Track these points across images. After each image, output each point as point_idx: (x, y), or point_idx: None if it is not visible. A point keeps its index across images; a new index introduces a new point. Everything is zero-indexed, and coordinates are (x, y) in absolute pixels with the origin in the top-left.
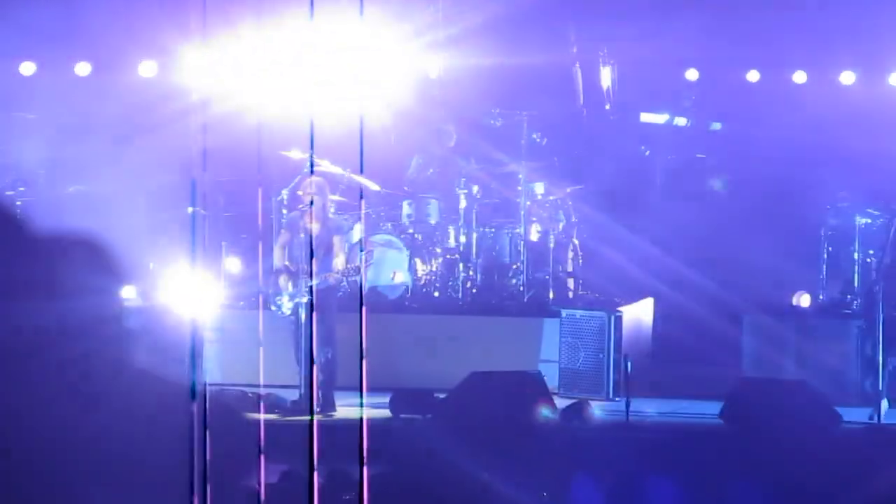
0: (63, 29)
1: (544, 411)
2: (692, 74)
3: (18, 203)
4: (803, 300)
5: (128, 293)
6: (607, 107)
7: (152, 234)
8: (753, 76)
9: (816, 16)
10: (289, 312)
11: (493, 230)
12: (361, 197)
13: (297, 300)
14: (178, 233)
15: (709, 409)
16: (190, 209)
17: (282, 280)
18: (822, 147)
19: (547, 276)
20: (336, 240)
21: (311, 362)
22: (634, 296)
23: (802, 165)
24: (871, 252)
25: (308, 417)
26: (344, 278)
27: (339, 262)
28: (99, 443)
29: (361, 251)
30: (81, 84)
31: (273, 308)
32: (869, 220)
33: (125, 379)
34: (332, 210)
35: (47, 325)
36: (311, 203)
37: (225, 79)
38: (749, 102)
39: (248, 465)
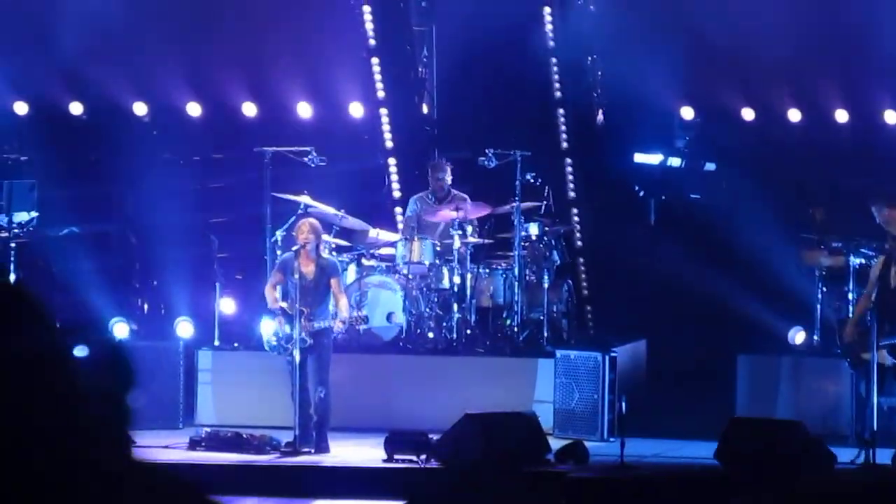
0: (54, 72)
1: (539, 452)
2: (687, 113)
3: (13, 245)
4: (798, 337)
5: (119, 331)
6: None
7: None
8: (749, 115)
9: (811, 55)
10: (283, 353)
11: (487, 271)
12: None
13: (291, 341)
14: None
15: (704, 450)
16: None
17: (276, 323)
18: (817, 185)
19: (541, 317)
20: (334, 282)
21: (303, 402)
22: (629, 336)
23: (797, 204)
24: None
25: (301, 458)
26: (348, 326)
27: (343, 307)
28: None
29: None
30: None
31: (267, 349)
32: (863, 260)
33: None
34: (327, 251)
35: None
36: (306, 243)
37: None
38: (744, 141)
39: None
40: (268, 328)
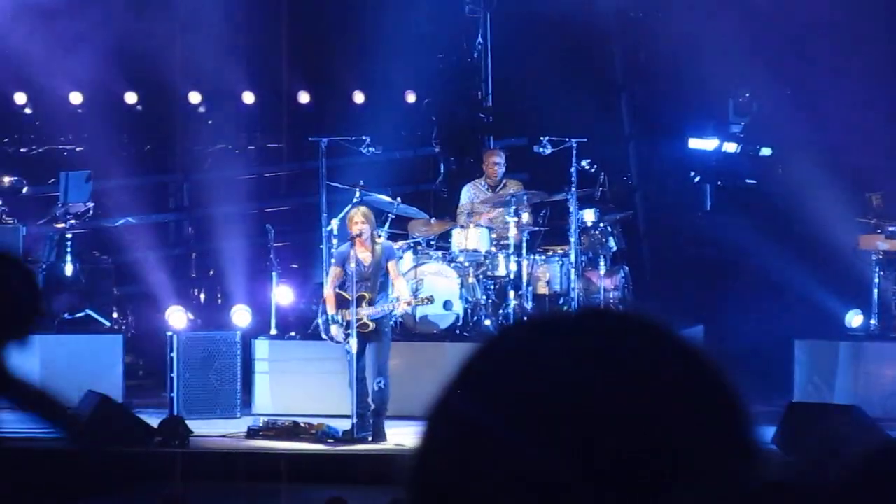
0: (110, 62)
1: None
2: (743, 98)
3: (69, 236)
4: (855, 321)
5: (176, 321)
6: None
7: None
8: (802, 99)
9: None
10: (341, 341)
11: (543, 258)
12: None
13: (349, 329)
14: (230, 262)
15: (762, 435)
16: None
17: (333, 309)
18: (874, 169)
19: (598, 303)
20: (392, 266)
21: (361, 391)
22: (685, 322)
23: (854, 188)
24: None
25: (359, 447)
26: (411, 307)
27: (404, 290)
28: None
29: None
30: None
31: (325, 337)
32: None
33: None
34: (382, 237)
35: None
36: (360, 232)
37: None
38: (798, 125)
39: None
40: (325, 317)
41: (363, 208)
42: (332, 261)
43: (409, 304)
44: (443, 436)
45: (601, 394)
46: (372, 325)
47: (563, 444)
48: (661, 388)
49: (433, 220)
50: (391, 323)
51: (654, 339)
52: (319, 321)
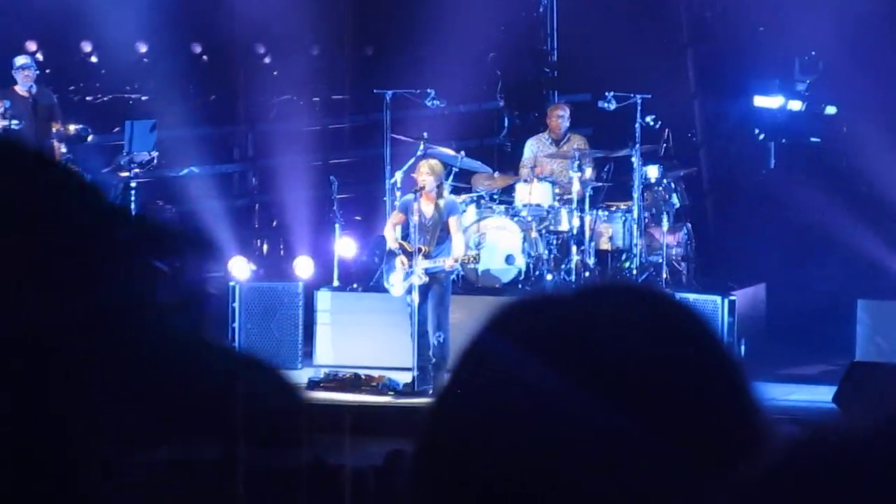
0: (175, 12)
1: None
2: (808, 56)
3: (133, 185)
4: None
5: (239, 271)
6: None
7: (267, 214)
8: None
9: None
10: (402, 293)
11: (606, 213)
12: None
13: (411, 282)
14: (293, 213)
15: (822, 394)
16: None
17: (396, 261)
18: None
19: (660, 260)
20: (452, 221)
21: (422, 345)
22: (748, 279)
23: None
24: None
25: (420, 400)
26: (461, 266)
27: (458, 247)
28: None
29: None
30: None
31: (387, 286)
32: None
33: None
34: (446, 192)
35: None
36: (424, 184)
37: None
38: (866, 85)
39: (357, 445)
40: (388, 269)
41: (432, 161)
42: (397, 205)
43: (455, 261)
44: (471, 379)
45: (620, 353)
46: (425, 279)
47: (590, 389)
48: (676, 348)
49: (497, 174)
50: (452, 277)
51: (662, 305)
52: (384, 272)
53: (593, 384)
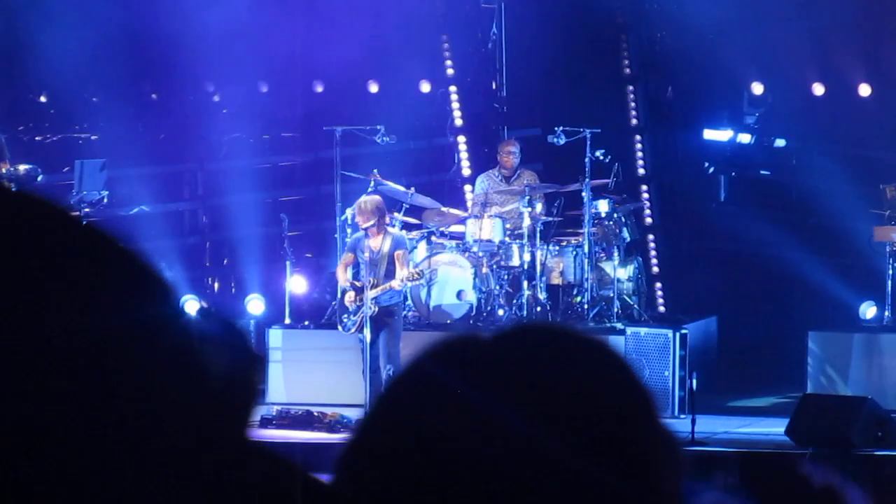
0: (124, 51)
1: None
2: (757, 89)
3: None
4: (869, 312)
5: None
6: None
7: (218, 251)
8: (819, 90)
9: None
10: (354, 330)
11: (557, 248)
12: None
13: (362, 314)
14: (244, 251)
15: (775, 426)
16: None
17: (347, 298)
18: (888, 161)
19: (612, 294)
20: (399, 254)
21: (375, 382)
22: (700, 313)
23: (868, 180)
24: None
25: None
26: (407, 284)
27: (400, 273)
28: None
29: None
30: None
31: (339, 328)
32: None
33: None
34: (397, 227)
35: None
36: (375, 223)
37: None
38: (814, 117)
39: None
40: (339, 306)
41: (369, 198)
42: (348, 244)
43: (401, 280)
44: (406, 399)
45: (544, 381)
46: (375, 309)
47: (521, 413)
48: (576, 387)
49: (447, 209)
50: (402, 312)
51: (569, 344)
52: (336, 311)
53: (519, 409)
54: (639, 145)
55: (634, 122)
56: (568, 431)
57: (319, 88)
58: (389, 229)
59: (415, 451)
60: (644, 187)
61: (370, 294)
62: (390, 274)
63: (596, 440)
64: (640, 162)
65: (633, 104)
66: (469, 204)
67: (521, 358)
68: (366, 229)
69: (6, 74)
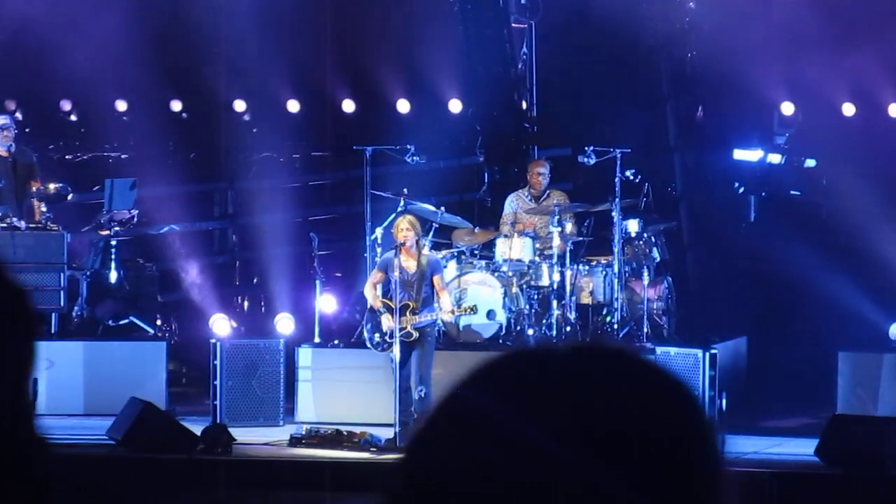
0: (155, 69)
1: None
2: (788, 109)
3: (113, 243)
4: None
5: (220, 328)
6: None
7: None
8: (849, 110)
9: None
10: (385, 349)
11: (586, 268)
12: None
13: (392, 337)
14: (274, 270)
15: (805, 447)
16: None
17: (382, 319)
18: None
19: (641, 314)
20: (437, 279)
21: (404, 401)
22: (729, 333)
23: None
24: None
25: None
26: (454, 317)
27: (446, 301)
28: None
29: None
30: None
31: (369, 346)
32: None
33: None
34: (427, 248)
35: None
36: (405, 240)
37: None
38: (845, 137)
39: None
40: (370, 326)
41: (409, 217)
42: (378, 263)
43: (452, 313)
44: (446, 430)
45: (606, 405)
46: (416, 335)
47: (567, 443)
48: (652, 401)
49: (477, 229)
50: (435, 332)
51: (631, 367)
52: (364, 330)
53: (573, 441)
54: (670, 165)
55: (666, 142)
56: (628, 467)
57: (350, 107)
58: (423, 251)
59: (463, 484)
60: (675, 208)
61: (411, 320)
62: (428, 298)
63: (654, 479)
64: (671, 182)
65: (666, 124)
66: (499, 224)
67: (588, 381)
68: (399, 246)
69: (38, 93)
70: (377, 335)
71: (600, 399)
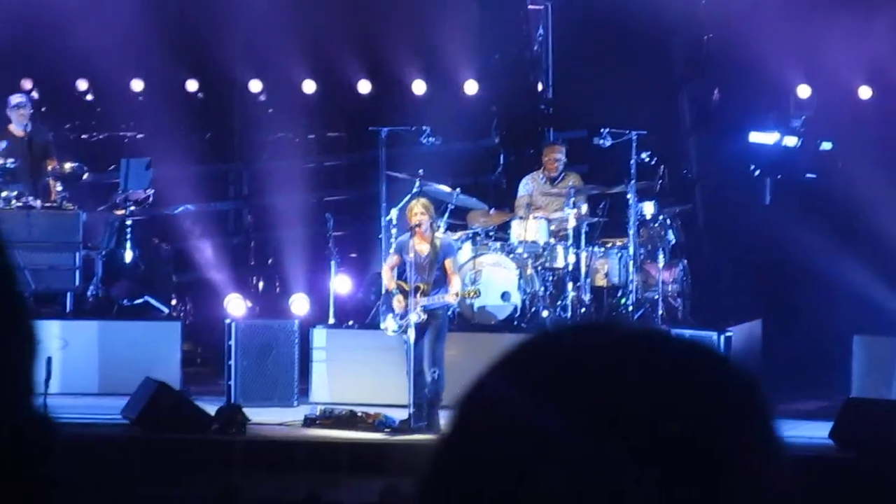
0: (170, 50)
1: None
2: (804, 92)
3: (128, 223)
4: None
5: (235, 308)
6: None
7: (262, 251)
8: (866, 93)
9: None
10: (398, 332)
11: (601, 250)
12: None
13: (409, 321)
14: (289, 251)
15: (819, 430)
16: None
17: (396, 302)
18: None
19: (656, 296)
20: (449, 262)
21: (418, 383)
22: (744, 316)
23: None
24: None
25: (415, 437)
26: (459, 302)
27: (455, 284)
28: None
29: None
30: (191, 101)
31: (383, 328)
32: None
33: None
34: (441, 230)
35: None
36: (419, 223)
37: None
38: (860, 120)
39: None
40: (384, 307)
41: (423, 200)
42: (393, 246)
43: (456, 295)
44: (477, 420)
45: (638, 394)
46: (424, 317)
47: (599, 437)
48: (693, 390)
49: (492, 211)
50: (448, 314)
51: (687, 348)
52: (380, 312)
53: (606, 433)
54: (685, 148)
55: (682, 124)
56: (664, 461)
57: (365, 89)
58: (437, 234)
59: (494, 479)
60: (690, 190)
61: (420, 302)
62: (439, 280)
63: (694, 474)
64: (687, 165)
65: (682, 107)
66: (514, 205)
67: (622, 369)
68: (414, 227)
69: (54, 72)
70: (390, 316)
71: (636, 390)
